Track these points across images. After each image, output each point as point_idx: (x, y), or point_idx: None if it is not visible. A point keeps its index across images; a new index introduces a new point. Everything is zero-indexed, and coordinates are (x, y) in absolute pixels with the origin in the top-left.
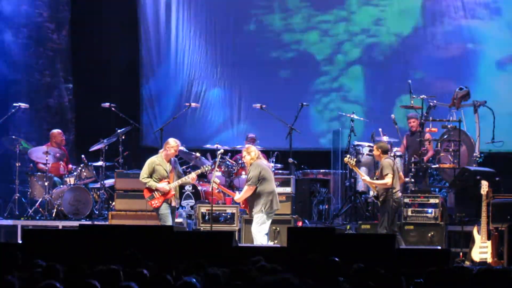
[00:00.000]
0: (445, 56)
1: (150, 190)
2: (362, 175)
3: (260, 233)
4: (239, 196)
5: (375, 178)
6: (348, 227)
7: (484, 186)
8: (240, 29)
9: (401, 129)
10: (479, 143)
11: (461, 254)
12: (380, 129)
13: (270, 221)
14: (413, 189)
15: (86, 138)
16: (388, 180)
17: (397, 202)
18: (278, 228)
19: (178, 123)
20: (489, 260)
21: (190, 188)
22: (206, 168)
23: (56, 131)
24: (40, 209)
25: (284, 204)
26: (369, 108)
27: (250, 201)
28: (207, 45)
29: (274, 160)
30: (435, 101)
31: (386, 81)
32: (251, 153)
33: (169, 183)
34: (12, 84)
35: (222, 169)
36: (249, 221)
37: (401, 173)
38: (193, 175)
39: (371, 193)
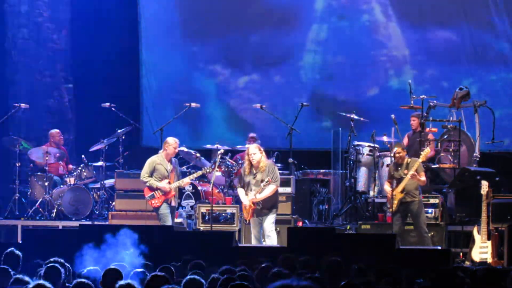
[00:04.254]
0: None
1: (151, 189)
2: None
3: (275, 232)
4: (261, 196)
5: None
6: (348, 227)
7: (484, 186)
8: (240, 27)
9: (401, 129)
10: (479, 143)
11: (461, 254)
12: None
13: None
14: None
15: (86, 138)
16: (424, 178)
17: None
18: (278, 228)
19: (178, 123)
20: (489, 260)
21: (190, 188)
22: (208, 170)
23: (54, 131)
24: (40, 209)
25: (284, 204)
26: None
27: (267, 202)
28: (207, 45)
29: (274, 160)
30: (435, 101)
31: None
32: (262, 152)
33: (169, 182)
34: (12, 84)
35: (222, 169)
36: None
37: None
38: (186, 179)
39: (371, 193)
